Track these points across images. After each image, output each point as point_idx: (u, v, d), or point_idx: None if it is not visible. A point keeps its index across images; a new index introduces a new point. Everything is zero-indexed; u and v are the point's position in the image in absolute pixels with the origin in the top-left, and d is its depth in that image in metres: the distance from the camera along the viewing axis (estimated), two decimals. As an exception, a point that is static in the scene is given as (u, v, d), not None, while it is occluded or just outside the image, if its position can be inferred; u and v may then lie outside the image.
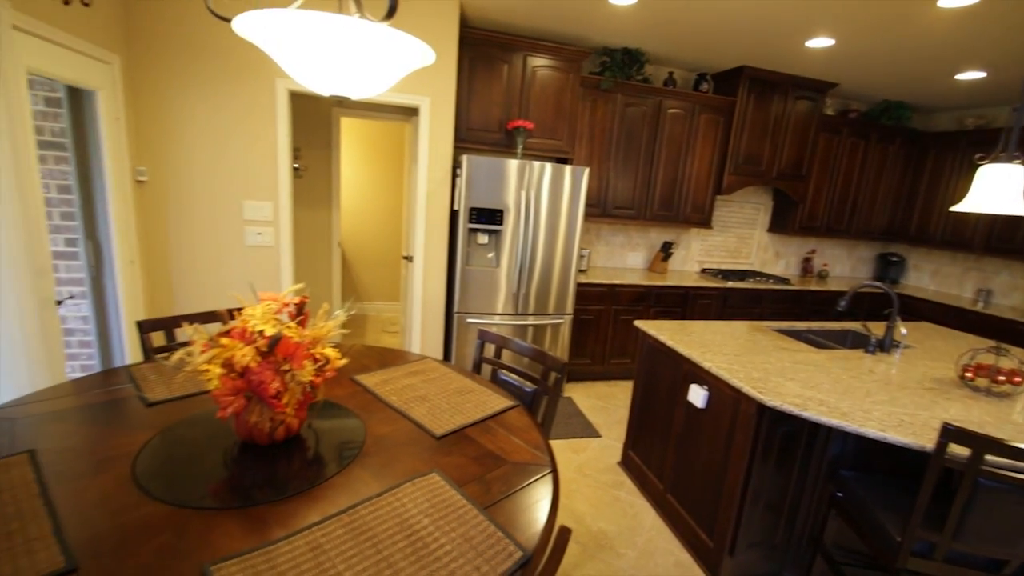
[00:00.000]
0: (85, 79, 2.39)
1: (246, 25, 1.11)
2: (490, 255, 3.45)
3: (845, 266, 5.44)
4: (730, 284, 4.23)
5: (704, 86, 4.26)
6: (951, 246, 4.62)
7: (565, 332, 3.68)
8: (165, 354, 1.18)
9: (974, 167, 4.44)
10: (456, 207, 3.42)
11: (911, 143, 4.87)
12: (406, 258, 3.86)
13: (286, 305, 1.21)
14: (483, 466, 1.24)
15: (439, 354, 3.75)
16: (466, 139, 3.58)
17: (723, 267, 4.90)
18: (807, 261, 5.15)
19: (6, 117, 1.71)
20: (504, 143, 3.65)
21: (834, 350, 2.49)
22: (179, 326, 1.85)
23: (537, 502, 1.11)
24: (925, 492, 1.47)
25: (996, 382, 2.05)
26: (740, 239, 4.93)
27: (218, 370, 1.09)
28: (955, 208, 1.88)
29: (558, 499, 1.14)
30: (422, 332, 3.61)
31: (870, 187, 4.87)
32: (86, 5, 2.38)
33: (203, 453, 1.18)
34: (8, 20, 1.71)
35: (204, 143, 2.95)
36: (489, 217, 3.34)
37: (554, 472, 1.23)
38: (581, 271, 4.10)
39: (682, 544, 2.27)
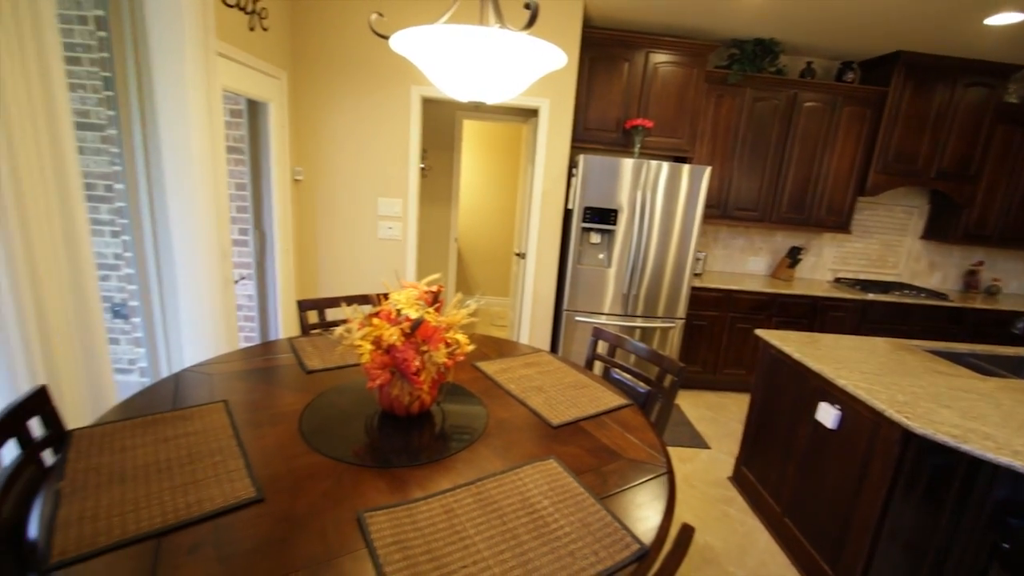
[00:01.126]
0: (261, 93, 2.80)
1: (401, 42, 1.25)
2: (601, 255, 3.44)
3: (1023, 282, 4.59)
4: (871, 296, 3.79)
5: (849, 76, 3.85)
6: None
7: (675, 337, 3.56)
8: (330, 329, 1.36)
9: None
10: (570, 206, 3.46)
11: None
12: (518, 255, 3.98)
13: (426, 293, 1.34)
14: (598, 459, 1.27)
15: (546, 349, 3.82)
16: (583, 139, 3.60)
17: (862, 277, 4.40)
18: (972, 275, 4.43)
19: (208, 128, 2.08)
20: (621, 142, 3.62)
21: (1006, 379, 2.14)
22: (335, 306, 2.11)
23: (652, 500, 1.12)
24: None
25: None
26: (886, 246, 4.38)
27: (369, 346, 1.25)
28: None
29: (675, 500, 1.14)
30: (531, 327, 3.71)
31: (1065, 189, 4.06)
32: (265, 30, 2.79)
33: (351, 418, 1.36)
34: (214, 48, 2.07)
35: (349, 146, 3.30)
36: (603, 216, 3.34)
37: (670, 474, 1.23)
38: (696, 275, 3.94)
39: (799, 572, 2.11)
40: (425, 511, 1.00)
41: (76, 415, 1.45)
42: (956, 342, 3.92)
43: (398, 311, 1.28)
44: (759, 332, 2.52)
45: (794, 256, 4.11)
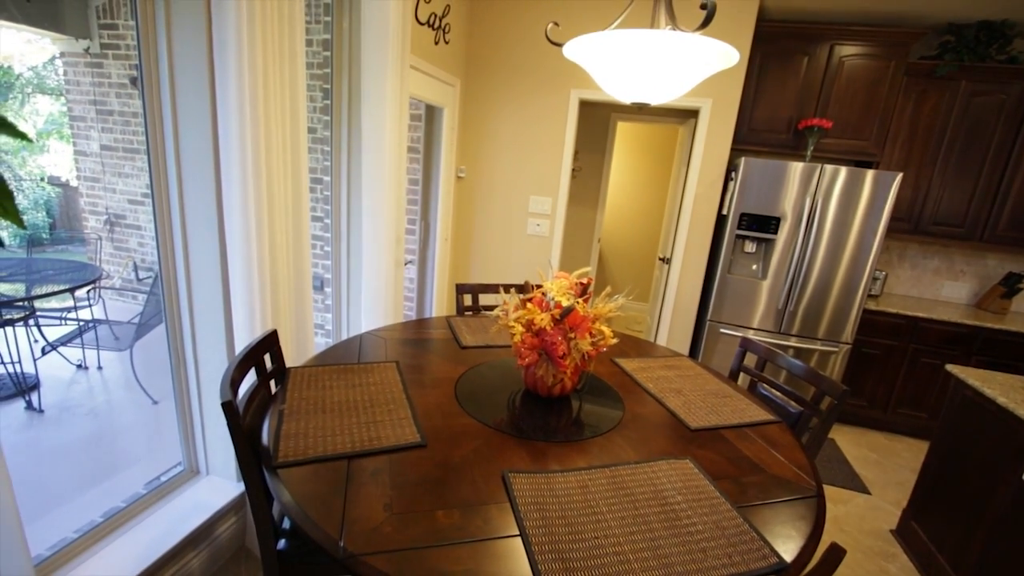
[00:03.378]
0: (438, 99, 3.15)
1: (574, 49, 1.34)
2: (755, 265, 3.21)
3: None
4: None
5: (1120, 62, 3.04)
6: None
7: (838, 363, 3.17)
8: (490, 310, 1.52)
9: None
10: (724, 212, 3.28)
11: None
12: (662, 259, 3.89)
13: (576, 284, 1.43)
14: (738, 468, 1.23)
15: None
16: (746, 140, 3.38)
17: (1116, 318, 3.45)
18: None
19: (397, 131, 2.41)
20: (790, 144, 3.32)
21: None
22: (489, 292, 2.32)
23: (797, 520, 1.06)
24: None
25: None
26: None
27: (521, 328, 1.36)
28: None
29: (823, 525, 1.07)
30: (669, 334, 3.60)
31: None
32: (447, 43, 3.12)
33: (498, 391, 1.50)
34: (408, 62, 2.39)
35: (508, 146, 3.54)
36: (761, 224, 3.11)
37: (820, 498, 1.15)
38: (871, 295, 3.46)
39: (983, 657, 1.77)
40: (561, 482, 1.09)
41: (290, 358, 1.81)
42: None
43: (550, 299, 1.38)
44: (951, 368, 2.15)
45: (1012, 284, 3.37)
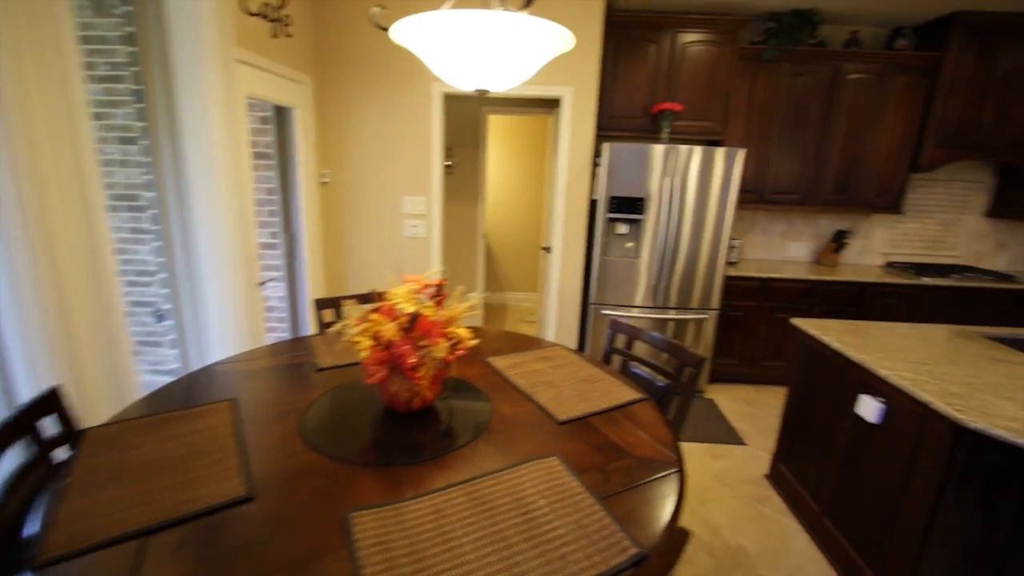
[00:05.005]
0: (286, 98, 2.87)
1: (400, 32, 1.23)
2: (629, 245, 3.34)
3: (1111, 261, 4.13)
4: (926, 280, 3.50)
5: (901, 43, 3.56)
6: None
7: (709, 328, 3.41)
8: (332, 326, 1.37)
9: None
10: (595, 196, 3.37)
11: None
12: (545, 249, 3.93)
13: (426, 287, 1.32)
14: (604, 456, 1.21)
15: (574, 344, 3.75)
16: (608, 127, 3.50)
17: (917, 260, 4.08)
18: (1047, 254, 4.02)
19: (231, 134, 2.13)
20: (649, 128, 3.49)
21: (1081, 368, 1.91)
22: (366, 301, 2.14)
23: (659, 500, 1.06)
24: None
25: None
26: (944, 226, 4.04)
27: (368, 342, 1.23)
28: None
29: (683, 500, 1.07)
30: (558, 322, 3.65)
31: None
32: (289, 36, 2.85)
33: (356, 414, 1.35)
34: (233, 55, 2.12)
35: (373, 146, 3.34)
36: (630, 206, 3.23)
37: (680, 472, 1.16)
38: (731, 263, 3.76)
39: (843, 577, 1.97)
40: (413, 511, 0.98)
41: (100, 414, 1.51)
42: (1028, 328, 3.58)
43: (398, 307, 1.26)
44: (795, 321, 2.37)
45: (840, 240, 3.85)
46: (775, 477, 2.55)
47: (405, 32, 1.21)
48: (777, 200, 3.70)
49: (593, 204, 3.45)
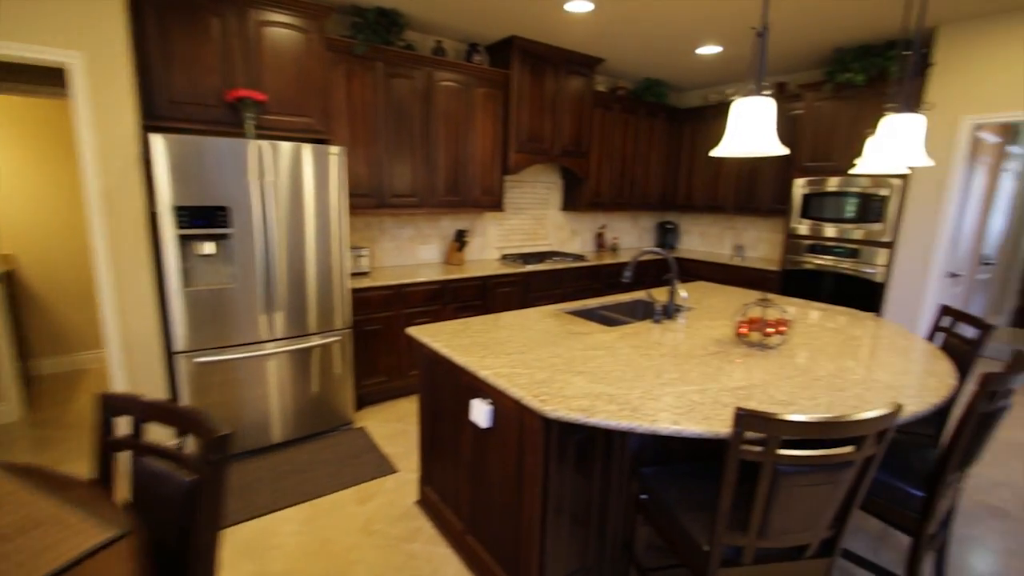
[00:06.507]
0: None
1: None
2: (220, 269, 2.59)
3: (632, 237, 5.74)
4: (529, 268, 4.01)
5: (477, 58, 3.92)
6: (711, 210, 5.11)
7: (342, 351, 3.00)
8: None
9: (720, 135, 4.93)
10: (156, 208, 2.48)
11: (671, 119, 5.26)
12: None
13: None
14: None
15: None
16: (169, 115, 2.63)
17: (524, 251, 4.71)
18: (599, 236, 5.27)
19: None
20: (227, 120, 2.79)
21: (625, 326, 2.29)
22: None
23: None
24: (726, 496, 1.20)
25: (766, 335, 2.01)
26: (536, 220, 4.79)
27: None
28: (713, 153, 1.71)
29: None
30: (132, 384, 2.59)
31: (643, 160, 5.14)
32: None
33: None
34: None
35: None
36: (210, 218, 2.48)
37: None
38: (361, 274, 3.46)
39: (490, 597, 1.82)
40: None
41: None
42: (599, 295, 4.52)
43: None
44: (410, 331, 2.15)
45: (461, 239, 4.05)
46: (424, 502, 2.32)
47: None
48: (397, 204, 3.59)
49: (156, 218, 2.54)
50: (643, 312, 2.88)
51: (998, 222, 4.46)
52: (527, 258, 4.26)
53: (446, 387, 2.01)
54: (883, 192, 3.68)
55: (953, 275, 3.66)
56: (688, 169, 5.28)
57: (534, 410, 1.46)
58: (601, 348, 1.95)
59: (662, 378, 1.66)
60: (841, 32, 3.54)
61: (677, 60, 4.36)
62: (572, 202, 4.83)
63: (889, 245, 3.69)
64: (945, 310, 2.35)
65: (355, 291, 3.15)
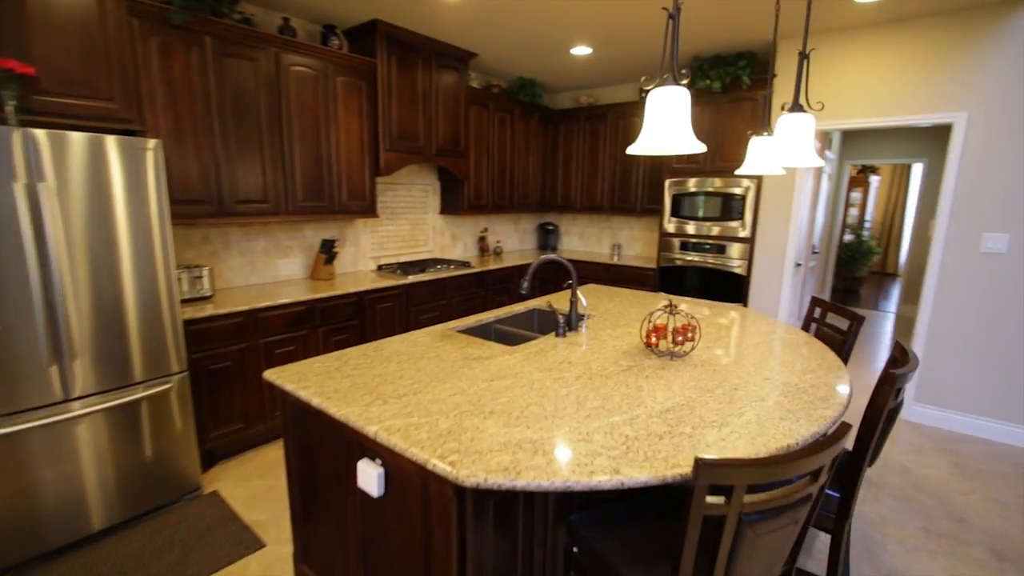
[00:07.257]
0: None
1: None
2: (-26, 308, 1.83)
3: (514, 240, 5.62)
4: (411, 279, 3.63)
5: (335, 42, 3.42)
6: (588, 210, 5.17)
7: (179, 399, 2.36)
8: None
9: (593, 137, 5.00)
10: None
11: (545, 119, 5.21)
12: None
13: None
14: None
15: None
16: None
17: (402, 259, 4.30)
18: (482, 240, 5.04)
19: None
20: (-26, 101, 2.00)
21: (528, 343, 2.06)
22: None
23: None
24: (688, 560, 1.00)
25: (676, 343, 1.91)
26: (414, 225, 4.40)
27: None
28: (629, 150, 1.53)
29: None
30: None
31: (522, 160, 5.02)
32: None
33: None
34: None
35: None
36: (-55, 238, 1.73)
37: None
38: (200, 299, 2.79)
39: None
40: None
41: None
42: (486, 303, 4.28)
43: None
44: (268, 375, 1.68)
45: (329, 250, 3.53)
46: (300, 586, 1.85)
47: None
48: (245, 211, 2.96)
49: None
50: (540, 323, 2.69)
51: (820, 217, 5.13)
52: (407, 267, 3.86)
53: (323, 445, 1.59)
54: (738, 192, 3.96)
55: (798, 264, 4.08)
56: (564, 170, 5.29)
57: (444, 476, 1.14)
58: (508, 376, 1.69)
59: (584, 408, 1.44)
60: (699, 43, 3.73)
61: (550, 59, 4.29)
62: (452, 205, 4.53)
63: (748, 240, 3.99)
64: (815, 302, 2.51)
65: (193, 322, 2.50)
